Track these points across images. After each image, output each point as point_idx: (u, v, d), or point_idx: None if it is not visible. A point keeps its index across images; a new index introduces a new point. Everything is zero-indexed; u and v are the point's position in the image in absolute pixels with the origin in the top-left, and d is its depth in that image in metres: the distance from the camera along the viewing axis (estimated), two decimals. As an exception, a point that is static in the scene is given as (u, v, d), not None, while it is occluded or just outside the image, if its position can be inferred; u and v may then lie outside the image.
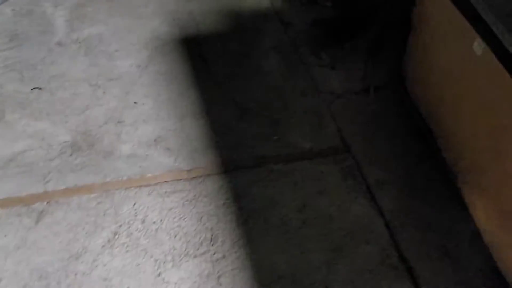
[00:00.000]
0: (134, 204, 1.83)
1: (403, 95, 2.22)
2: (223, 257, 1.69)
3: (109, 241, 1.72)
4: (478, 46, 1.64)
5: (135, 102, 2.23)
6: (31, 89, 2.25)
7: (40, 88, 2.26)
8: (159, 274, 1.64)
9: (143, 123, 2.14)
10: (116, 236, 1.74)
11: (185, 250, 1.70)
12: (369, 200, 1.87)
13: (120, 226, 1.76)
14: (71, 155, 2.01)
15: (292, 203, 1.85)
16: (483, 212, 1.74)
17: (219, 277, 1.64)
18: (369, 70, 2.39)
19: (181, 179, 1.92)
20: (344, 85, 2.33)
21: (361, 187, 1.91)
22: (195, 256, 1.69)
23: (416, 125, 2.11)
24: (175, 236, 1.74)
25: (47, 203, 1.83)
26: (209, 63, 2.42)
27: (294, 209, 1.83)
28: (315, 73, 2.39)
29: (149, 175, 1.94)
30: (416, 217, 1.81)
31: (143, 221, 1.78)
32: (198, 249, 1.71)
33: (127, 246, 1.71)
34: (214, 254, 1.70)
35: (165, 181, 1.92)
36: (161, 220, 1.78)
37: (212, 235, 1.75)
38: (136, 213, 1.80)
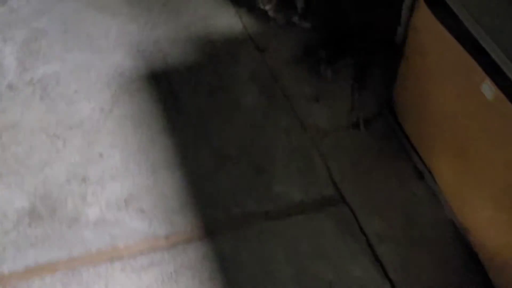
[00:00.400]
0: (106, 286, 1.59)
1: (396, 128, 2.03)
2: None
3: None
4: (488, 89, 1.45)
5: (100, 154, 1.98)
6: (-20, 146, 1.99)
7: (-10, 144, 1.99)
8: None
9: (111, 179, 1.90)
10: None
11: None
12: (371, 259, 1.68)
13: (91, 314, 1.53)
14: (30, 225, 1.76)
15: (287, 270, 1.64)
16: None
17: None
18: (356, 100, 2.19)
19: (158, 249, 1.69)
20: (331, 119, 2.12)
21: (361, 244, 1.71)
22: None
23: (413, 164, 1.92)
24: (156, 322, 1.52)
25: (3, 290, 1.58)
26: (181, 101, 2.19)
27: (289, 278, 1.62)
28: (299, 106, 2.17)
29: (121, 245, 1.70)
30: (425, 278, 1.62)
31: (117, 306, 1.55)
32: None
33: None
34: None
35: (140, 252, 1.68)
36: (138, 303, 1.55)
37: (198, 318, 1.53)
38: (108, 295, 1.57)
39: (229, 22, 2.62)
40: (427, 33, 1.77)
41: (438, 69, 1.71)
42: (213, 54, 2.43)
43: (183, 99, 2.20)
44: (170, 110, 2.14)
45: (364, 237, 1.72)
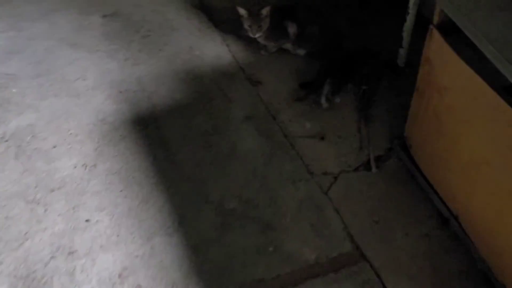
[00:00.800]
0: None
1: (411, 167, 1.85)
2: None
3: None
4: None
5: (87, 220, 1.77)
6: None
7: (-40, 218, 1.77)
8: None
9: (101, 250, 1.68)
10: None
11: None
12: (403, 327, 1.49)
13: None
14: (12, 315, 1.54)
15: None
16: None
17: None
18: (365, 136, 2.01)
19: (162, 334, 1.48)
20: (339, 160, 1.94)
21: (390, 310, 1.53)
22: None
23: (435, 208, 1.75)
24: None
25: None
26: (172, 150, 1.98)
27: None
28: (302, 147, 1.98)
29: (119, 332, 1.49)
30: None
31: None
32: None
33: None
34: None
35: None
36: None
37: None
38: None
39: (217, 52, 2.41)
40: (444, 67, 1.59)
41: (461, 108, 1.53)
42: (203, 90, 2.23)
43: (174, 147, 1.99)
44: (162, 161, 1.94)
45: (392, 302, 1.54)
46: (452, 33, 1.55)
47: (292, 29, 2.27)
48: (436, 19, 1.58)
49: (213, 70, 2.32)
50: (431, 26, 1.60)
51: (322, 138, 2.01)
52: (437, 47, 1.59)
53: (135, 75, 2.29)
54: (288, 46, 2.35)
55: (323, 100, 2.10)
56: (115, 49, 2.42)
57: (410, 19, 2.14)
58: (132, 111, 2.13)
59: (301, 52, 2.34)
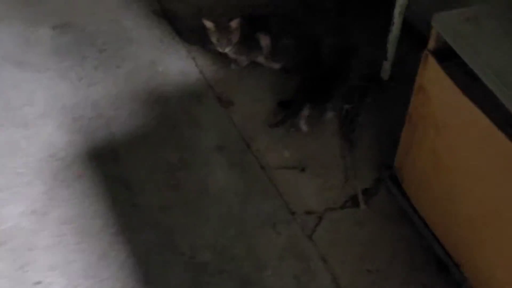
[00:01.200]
0: None
1: (404, 204, 1.66)
2: None
3: None
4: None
5: (37, 283, 1.53)
6: None
7: None
8: None
9: (55, 321, 1.45)
10: None
11: None
12: None
13: None
14: None
15: None
16: None
17: None
18: (350, 166, 1.81)
19: None
20: (324, 195, 1.74)
21: None
22: None
23: (433, 252, 1.56)
24: None
25: None
26: (135, 189, 1.75)
27: None
28: (282, 181, 1.77)
29: None
30: None
31: None
32: None
33: None
34: None
35: None
36: None
37: None
38: None
39: (182, 67, 2.17)
40: (442, 100, 1.39)
41: (464, 150, 1.34)
42: (168, 114, 1.99)
43: (137, 186, 1.75)
44: (123, 204, 1.70)
45: None
46: (449, 57, 1.35)
47: (265, 41, 2.04)
48: (432, 44, 1.38)
49: (178, 89, 2.08)
50: (426, 52, 1.40)
51: (303, 170, 1.80)
52: (433, 75, 1.39)
53: (91, 98, 2.03)
54: (261, 59, 2.11)
55: (302, 124, 1.88)
56: (67, 67, 2.15)
57: (395, 30, 1.93)
58: (87, 143, 1.88)
59: (276, 66, 2.11)
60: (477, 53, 1.23)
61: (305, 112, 1.88)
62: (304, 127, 1.89)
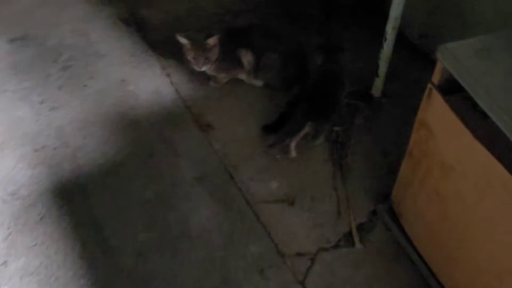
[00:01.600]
0: None
1: (402, 239, 1.52)
2: None
3: None
4: None
5: None
6: None
7: None
8: None
9: None
10: None
11: None
12: None
13: None
14: None
15: None
16: None
17: None
18: (343, 196, 1.66)
19: None
20: (315, 233, 1.59)
21: None
22: None
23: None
24: None
25: None
26: (106, 231, 1.58)
27: None
28: (269, 217, 1.62)
29: None
30: None
31: None
32: None
33: None
34: None
35: None
36: None
37: None
38: None
39: (156, 85, 1.99)
40: (448, 139, 1.25)
41: (473, 196, 1.20)
42: (141, 141, 1.81)
43: (109, 227, 1.58)
44: (92, 249, 1.53)
45: None
46: (454, 89, 1.20)
47: (246, 58, 1.87)
48: (436, 77, 1.23)
49: (152, 112, 1.90)
50: (430, 86, 1.25)
51: (292, 203, 1.65)
52: (438, 112, 1.25)
53: (55, 124, 1.84)
54: (242, 76, 1.94)
55: (292, 149, 1.73)
56: (28, 87, 1.95)
57: (387, 47, 1.78)
58: (52, 177, 1.69)
59: (259, 83, 1.94)
60: (489, 92, 1.09)
61: (306, 130, 1.71)
62: (293, 152, 1.74)
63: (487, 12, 1.73)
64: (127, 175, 1.70)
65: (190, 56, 1.82)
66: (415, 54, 2.07)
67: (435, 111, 1.25)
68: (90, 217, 1.60)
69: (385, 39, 1.75)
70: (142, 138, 1.81)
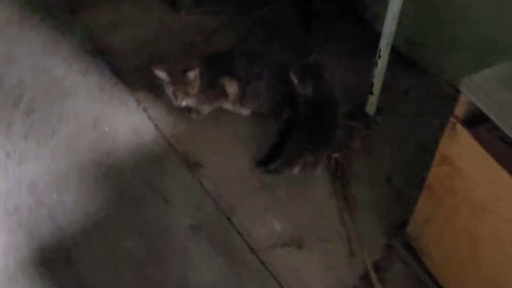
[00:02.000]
0: None
1: (425, 276, 1.42)
2: None
3: None
4: None
5: None
6: None
7: None
8: None
9: None
10: None
11: None
12: None
13: None
14: None
15: None
16: None
17: None
18: (352, 231, 1.54)
19: None
20: (329, 277, 1.47)
21: None
22: None
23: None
24: None
25: None
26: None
27: None
28: (277, 265, 1.48)
29: None
30: None
31: None
32: None
33: None
34: None
35: None
36: None
37: None
38: None
39: (133, 123, 1.82)
40: (477, 176, 1.14)
41: (510, 234, 1.09)
42: (126, 191, 1.64)
43: (100, 297, 1.41)
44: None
45: None
46: (475, 123, 1.10)
47: (231, 88, 1.71)
48: (461, 111, 1.11)
49: (133, 154, 1.72)
50: (453, 120, 1.13)
51: (300, 246, 1.51)
52: (464, 147, 1.14)
53: (25, 180, 1.65)
54: (227, 105, 1.79)
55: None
56: (-11, 138, 1.74)
57: (381, 63, 1.66)
58: (30, 243, 1.51)
59: (246, 112, 1.79)
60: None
61: (305, 159, 1.59)
62: (295, 169, 1.61)
63: (477, 19, 1.64)
64: (113, 231, 1.54)
65: (168, 90, 1.65)
66: (404, 63, 1.96)
67: (461, 147, 1.14)
68: (76, 284, 1.43)
69: (379, 56, 1.63)
70: (125, 187, 1.63)
